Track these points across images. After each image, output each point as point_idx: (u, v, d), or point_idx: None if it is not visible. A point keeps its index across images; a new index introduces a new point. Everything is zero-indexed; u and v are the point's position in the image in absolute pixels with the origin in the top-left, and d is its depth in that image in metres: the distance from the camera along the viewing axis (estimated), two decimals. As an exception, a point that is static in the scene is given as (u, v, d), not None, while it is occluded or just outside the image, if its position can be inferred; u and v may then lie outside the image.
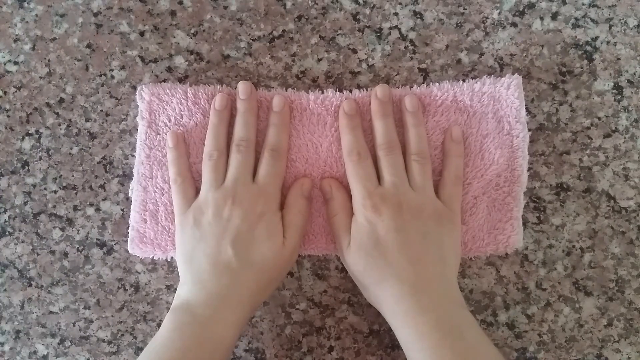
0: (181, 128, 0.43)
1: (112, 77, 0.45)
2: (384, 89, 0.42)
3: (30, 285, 0.46)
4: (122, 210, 0.45)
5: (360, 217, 0.40)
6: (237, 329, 0.39)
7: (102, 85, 0.45)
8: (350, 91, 0.43)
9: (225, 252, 0.39)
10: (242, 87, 0.42)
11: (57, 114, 0.45)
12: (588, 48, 0.44)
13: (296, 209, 0.42)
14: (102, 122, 0.45)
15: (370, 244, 0.39)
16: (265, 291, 0.41)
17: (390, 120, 0.42)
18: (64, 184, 0.45)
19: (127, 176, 0.45)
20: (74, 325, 0.46)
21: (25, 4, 0.45)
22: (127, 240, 0.44)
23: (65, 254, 0.46)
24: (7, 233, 0.46)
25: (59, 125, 0.45)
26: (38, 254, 0.46)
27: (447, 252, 0.40)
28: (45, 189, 0.46)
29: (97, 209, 0.45)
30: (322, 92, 0.43)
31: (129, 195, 0.45)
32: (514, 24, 0.44)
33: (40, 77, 0.45)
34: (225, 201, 0.40)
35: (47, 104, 0.45)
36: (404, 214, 0.39)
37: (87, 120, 0.45)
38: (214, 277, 0.39)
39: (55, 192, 0.46)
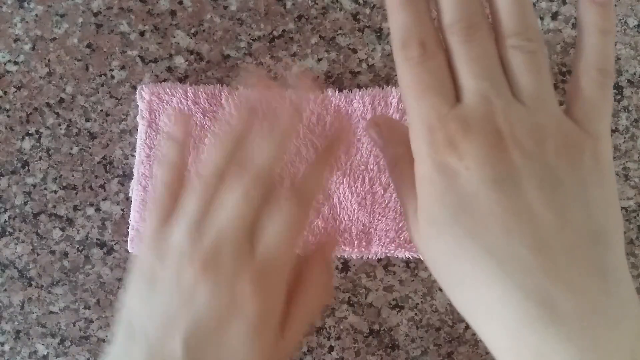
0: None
1: (112, 77, 0.45)
2: None
3: (30, 285, 0.46)
4: (122, 210, 0.45)
5: (424, 164, 0.23)
6: None
7: (102, 85, 0.45)
8: (350, 91, 0.43)
9: (171, 350, 0.25)
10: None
11: (57, 114, 0.45)
12: (588, 48, 0.44)
13: (315, 293, 0.28)
14: (102, 122, 0.45)
15: (447, 212, 0.22)
16: None
17: None
18: (64, 184, 0.45)
19: (127, 176, 0.45)
20: (74, 325, 0.46)
21: (25, 4, 0.45)
22: (127, 240, 0.44)
23: (65, 254, 0.46)
24: (7, 233, 0.46)
25: (59, 125, 0.45)
26: (38, 254, 0.46)
27: (601, 217, 0.22)
28: (45, 189, 0.46)
29: (97, 209, 0.46)
30: (322, 92, 0.43)
31: (129, 195, 0.45)
32: (514, 24, 0.44)
33: (40, 77, 0.45)
34: (192, 258, 0.25)
35: (47, 104, 0.45)
36: (508, 149, 0.22)
37: (87, 120, 0.45)
38: None
39: (55, 192, 0.46)
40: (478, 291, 0.22)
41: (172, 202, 0.27)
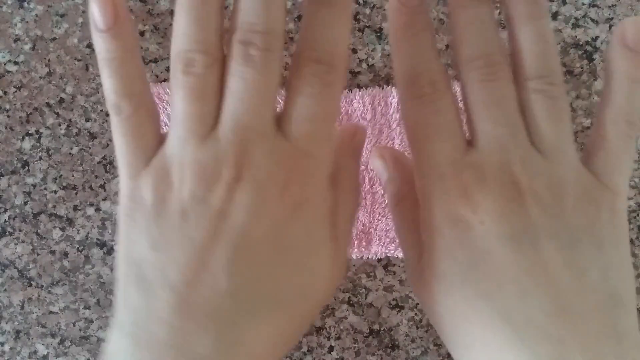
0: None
1: (112, 77, 0.45)
2: None
3: (30, 285, 0.46)
4: (122, 210, 0.45)
5: (433, 213, 0.21)
6: None
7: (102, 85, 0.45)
8: (350, 91, 0.43)
9: (214, 284, 0.20)
10: None
11: (57, 114, 0.45)
12: (588, 48, 0.44)
13: (349, 183, 0.23)
14: (102, 122, 0.45)
15: (458, 269, 0.21)
16: (288, 343, 0.22)
17: (485, 11, 0.23)
18: (64, 184, 0.45)
19: (127, 176, 0.45)
20: (74, 325, 0.46)
21: (25, 4, 0.45)
22: (127, 240, 0.44)
23: (65, 254, 0.46)
24: (7, 233, 0.46)
25: (59, 125, 0.45)
26: (38, 254, 0.46)
27: (617, 280, 0.21)
28: (45, 189, 0.46)
29: (97, 209, 0.46)
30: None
31: (129, 195, 0.45)
32: (514, 24, 0.44)
33: (40, 77, 0.45)
34: (219, 168, 0.19)
35: (47, 104, 0.45)
36: (526, 203, 0.20)
37: (87, 120, 0.45)
38: (182, 333, 0.20)
39: (55, 192, 0.46)
40: (488, 356, 0.20)
41: (145, 112, 0.21)
